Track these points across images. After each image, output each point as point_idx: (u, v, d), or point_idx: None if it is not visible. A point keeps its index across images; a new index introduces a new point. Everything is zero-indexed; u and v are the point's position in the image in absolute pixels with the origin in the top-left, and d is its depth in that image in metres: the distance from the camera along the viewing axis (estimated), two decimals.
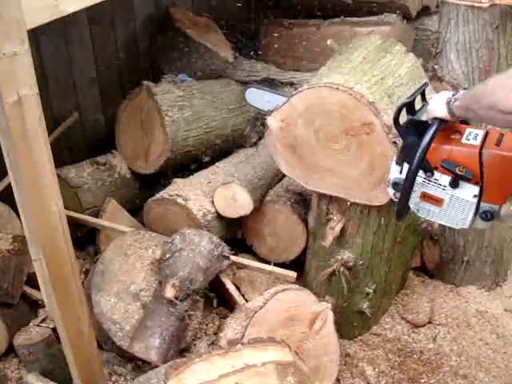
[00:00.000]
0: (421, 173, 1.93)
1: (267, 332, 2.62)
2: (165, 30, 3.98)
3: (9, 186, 2.17)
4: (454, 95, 1.86)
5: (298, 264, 3.34)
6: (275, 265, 3.30)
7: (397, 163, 2.04)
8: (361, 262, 2.99)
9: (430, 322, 3.39)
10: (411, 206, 2.01)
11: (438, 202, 1.94)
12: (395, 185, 2.03)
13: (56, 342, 2.67)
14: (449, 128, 1.92)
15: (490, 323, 3.39)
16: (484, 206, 1.87)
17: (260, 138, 4.03)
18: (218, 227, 3.35)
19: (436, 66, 3.25)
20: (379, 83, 2.63)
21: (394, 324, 3.37)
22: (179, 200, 3.26)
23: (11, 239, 2.89)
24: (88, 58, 3.79)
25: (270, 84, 3.93)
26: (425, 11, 4.20)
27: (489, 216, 1.87)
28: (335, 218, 2.89)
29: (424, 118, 1.97)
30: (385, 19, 3.99)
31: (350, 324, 3.21)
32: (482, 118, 1.73)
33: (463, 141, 1.87)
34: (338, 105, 2.53)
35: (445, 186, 1.91)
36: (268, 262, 3.35)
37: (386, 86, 2.66)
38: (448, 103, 1.85)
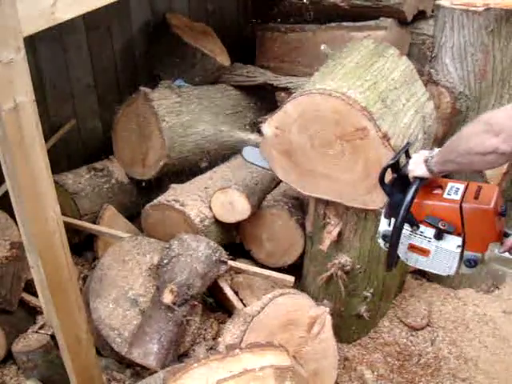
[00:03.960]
0: (407, 226, 2.00)
1: (266, 337, 2.62)
2: (161, 36, 3.98)
3: (6, 193, 2.17)
4: (430, 154, 1.93)
5: (295, 268, 3.35)
6: (273, 269, 3.30)
7: (385, 217, 2.11)
8: (358, 266, 2.99)
9: (428, 325, 3.39)
10: (400, 255, 2.08)
11: (424, 252, 2.02)
12: (385, 237, 2.10)
13: (54, 348, 2.67)
14: (431, 183, 2.00)
15: (489, 326, 3.40)
16: (467, 254, 1.94)
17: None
18: (216, 232, 3.36)
19: (432, 70, 3.26)
20: (372, 88, 2.64)
21: (393, 327, 3.38)
22: (177, 205, 3.26)
23: (9, 246, 2.89)
24: (85, 65, 3.79)
25: (266, 91, 3.95)
26: (420, 15, 4.21)
27: (472, 263, 1.94)
28: (332, 222, 2.90)
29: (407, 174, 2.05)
30: (380, 24, 4.00)
31: (348, 328, 3.21)
32: (462, 164, 1.79)
33: (445, 196, 1.95)
34: (331, 111, 2.54)
35: (430, 239, 1.98)
36: (267, 267, 3.36)
37: (380, 90, 2.67)
38: (426, 161, 1.92)
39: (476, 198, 1.90)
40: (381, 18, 4.02)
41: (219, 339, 2.83)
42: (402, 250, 2.05)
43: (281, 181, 3.47)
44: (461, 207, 1.89)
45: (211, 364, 2.15)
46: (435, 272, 2.05)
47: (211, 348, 3.03)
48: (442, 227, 1.92)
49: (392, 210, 2.03)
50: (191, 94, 3.81)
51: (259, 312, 2.73)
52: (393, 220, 2.03)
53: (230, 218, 3.33)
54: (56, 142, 3.59)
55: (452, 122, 3.21)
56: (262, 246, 3.46)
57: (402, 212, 1.94)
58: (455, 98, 3.18)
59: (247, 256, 3.51)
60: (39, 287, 2.45)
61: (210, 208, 3.33)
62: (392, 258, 2.06)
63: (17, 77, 1.76)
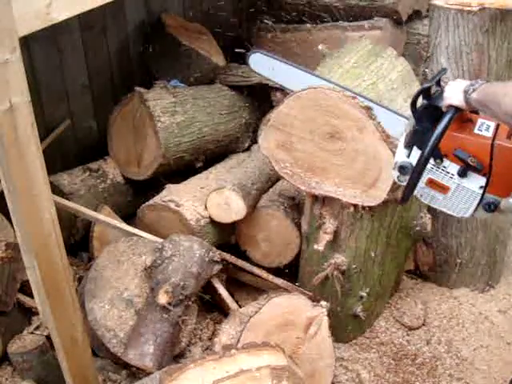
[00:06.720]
0: (430, 159, 1.92)
1: (262, 337, 2.61)
2: (157, 36, 3.98)
3: (1, 194, 2.16)
4: (472, 85, 1.82)
5: (291, 268, 3.35)
6: (269, 269, 3.31)
7: (405, 147, 1.99)
8: (354, 266, 2.99)
9: (424, 325, 3.39)
10: (415, 190, 2.00)
11: (443, 189, 1.94)
12: (402, 168, 1.99)
13: (50, 349, 2.67)
14: (461, 116, 1.90)
15: (485, 325, 3.40)
16: (488, 197, 1.87)
17: (252, 143, 4.04)
18: (212, 232, 3.35)
19: (427, 70, 3.26)
20: (370, 87, 2.65)
21: (389, 327, 3.37)
22: (172, 206, 3.26)
23: (4, 247, 2.88)
24: (80, 65, 3.79)
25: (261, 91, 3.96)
26: (415, 15, 4.22)
27: (492, 207, 1.87)
28: (328, 222, 2.90)
29: (439, 104, 1.93)
30: (376, 23, 4.01)
31: (344, 328, 3.21)
32: (500, 120, 1.73)
33: (475, 131, 1.86)
34: (331, 107, 2.55)
35: (452, 175, 1.91)
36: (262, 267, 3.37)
37: (378, 90, 2.67)
38: (465, 92, 1.82)
39: (508, 137, 1.82)
40: (376, 18, 4.03)
41: (215, 339, 2.82)
42: (418, 185, 1.96)
43: (277, 181, 3.48)
44: (492, 145, 1.81)
45: (207, 364, 2.15)
46: (449, 212, 1.97)
47: (207, 348, 3.03)
48: (471, 163, 1.83)
49: (417, 139, 1.93)
50: (186, 95, 3.81)
51: (256, 312, 2.73)
52: (415, 150, 1.94)
53: (226, 218, 3.32)
54: (51, 142, 3.58)
55: None
56: (257, 246, 3.45)
57: (432, 141, 1.84)
58: None
59: (244, 256, 3.51)
60: (35, 288, 2.43)
61: (206, 208, 3.33)
62: (410, 191, 1.97)
63: (12, 77, 1.75)
